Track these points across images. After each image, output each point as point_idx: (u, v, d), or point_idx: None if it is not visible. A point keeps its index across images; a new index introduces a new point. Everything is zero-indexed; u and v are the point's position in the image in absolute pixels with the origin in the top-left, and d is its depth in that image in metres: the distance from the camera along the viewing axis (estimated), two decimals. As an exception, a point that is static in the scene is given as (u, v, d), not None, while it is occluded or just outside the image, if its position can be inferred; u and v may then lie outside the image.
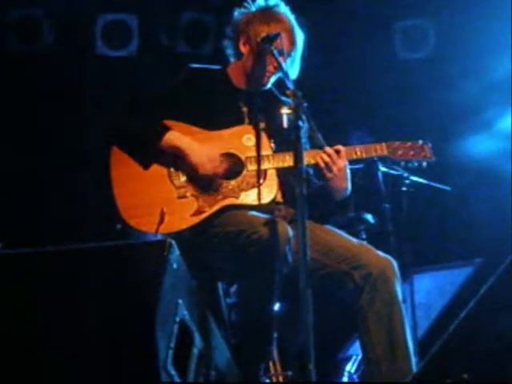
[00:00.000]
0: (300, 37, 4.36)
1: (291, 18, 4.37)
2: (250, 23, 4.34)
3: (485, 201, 6.55)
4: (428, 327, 5.87)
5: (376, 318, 4.02)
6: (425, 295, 5.91)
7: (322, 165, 4.08)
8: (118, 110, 4.24)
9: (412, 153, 4.27)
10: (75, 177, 5.13)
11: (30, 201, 6.36)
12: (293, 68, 4.21)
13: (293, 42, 4.30)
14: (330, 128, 4.19)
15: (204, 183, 4.17)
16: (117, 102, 4.28)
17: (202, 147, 4.16)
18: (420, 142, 4.30)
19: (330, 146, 4.08)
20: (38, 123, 6.48)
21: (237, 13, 4.41)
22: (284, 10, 4.38)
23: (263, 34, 4.18)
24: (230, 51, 4.47)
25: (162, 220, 3.96)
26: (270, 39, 4.12)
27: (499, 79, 6.71)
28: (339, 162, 4.06)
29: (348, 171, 4.13)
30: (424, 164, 4.29)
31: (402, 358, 3.99)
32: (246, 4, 4.39)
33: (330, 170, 4.07)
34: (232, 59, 4.47)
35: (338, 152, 4.06)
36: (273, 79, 4.36)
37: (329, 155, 4.06)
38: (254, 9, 4.38)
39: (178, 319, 2.91)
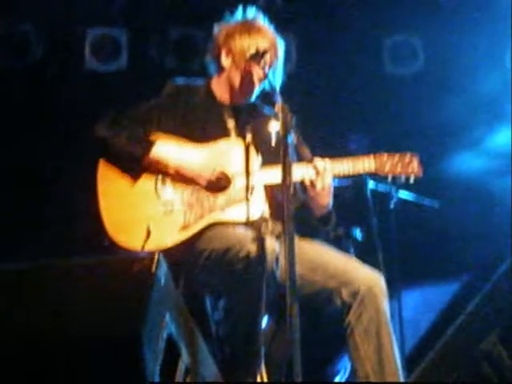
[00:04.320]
0: (281, 46, 4.38)
1: (271, 28, 4.40)
2: (231, 36, 4.36)
3: (472, 218, 6.57)
4: (416, 343, 5.88)
5: (364, 335, 4.04)
6: (413, 311, 5.92)
7: (307, 182, 4.09)
8: (105, 124, 4.23)
9: (399, 168, 4.26)
10: (63, 192, 5.12)
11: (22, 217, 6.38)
12: (276, 78, 4.21)
13: (275, 53, 4.31)
14: (319, 136, 4.19)
15: (191, 198, 4.17)
16: (105, 116, 4.26)
17: (192, 159, 4.18)
18: (408, 154, 4.29)
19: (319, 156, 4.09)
20: (28, 134, 6.48)
21: (216, 27, 4.43)
22: (263, 21, 4.41)
23: (249, 49, 4.23)
24: (212, 67, 4.47)
25: (147, 236, 3.97)
26: (260, 56, 4.16)
27: (487, 96, 6.74)
28: (325, 180, 4.07)
29: (331, 188, 4.13)
30: (412, 179, 4.29)
31: (391, 375, 4.00)
32: (225, 18, 4.42)
33: (314, 188, 4.09)
34: (215, 74, 4.47)
35: (320, 170, 4.08)
36: (257, 91, 4.37)
37: (316, 172, 4.07)
38: (233, 22, 4.41)
39: (165, 334, 2.90)
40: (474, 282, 5.88)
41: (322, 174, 4.06)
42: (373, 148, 4.32)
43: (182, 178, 4.17)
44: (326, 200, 4.15)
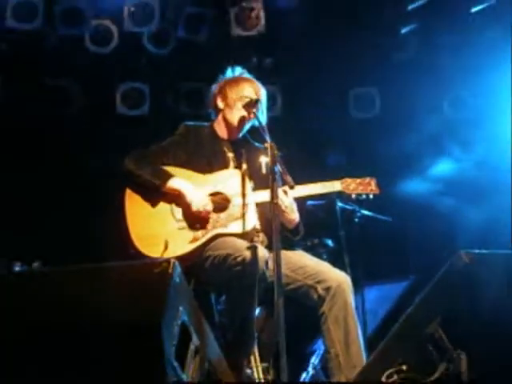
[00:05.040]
0: (264, 93, 4.42)
1: (255, 79, 4.46)
2: (223, 87, 4.45)
3: (419, 230, 6.58)
4: (375, 328, 5.87)
5: (335, 322, 4.03)
6: (372, 303, 5.90)
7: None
8: (132, 160, 4.24)
9: (361, 188, 4.30)
10: (100, 211, 5.12)
11: (63, 227, 6.38)
12: (262, 116, 4.21)
13: (259, 95, 4.34)
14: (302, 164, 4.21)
15: (198, 217, 4.18)
16: (132, 152, 4.27)
17: (194, 190, 4.17)
18: (367, 178, 4.33)
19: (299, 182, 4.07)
20: (75, 167, 6.49)
21: (213, 86, 4.51)
22: (248, 75, 4.48)
23: (243, 98, 4.29)
24: (212, 113, 4.52)
25: (166, 248, 3.97)
26: (252, 103, 4.20)
27: (429, 134, 6.77)
28: (285, 201, 4.06)
29: (294, 206, 4.15)
30: (371, 196, 4.31)
31: (356, 353, 4.00)
32: (218, 78, 4.50)
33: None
34: (215, 118, 4.50)
35: (285, 192, 4.06)
36: (247, 126, 4.40)
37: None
38: (223, 79, 4.49)
39: (179, 322, 2.90)
40: (419, 280, 5.87)
41: (285, 197, 4.07)
42: (340, 172, 4.35)
43: (188, 202, 4.16)
44: (292, 216, 4.16)
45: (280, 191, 3.90)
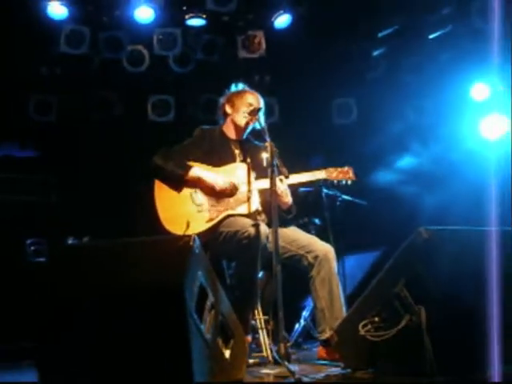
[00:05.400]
0: (262, 101, 4.41)
1: (255, 91, 4.45)
2: (230, 97, 4.44)
3: (387, 211, 6.56)
4: (353, 289, 5.86)
5: (321, 283, 4.03)
6: (350, 269, 5.89)
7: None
8: (160, 156, 4.24)
9: (341, 175, 4.30)
10: (135, 197, 5.12)
11: (108, 211, 6.40)
12: (261, 119, 4.18)
13: (259, 104, 4.35)
14: (294, 159, 4.20)
15: (213, 201, 4.17)
16: (159, 151, 4.27)
17: (214, 174, 4.18)
18: (346, 167, 4.34)
19: (292, 172, 4.07)
20: (115, 162, 6.50)
21: (220, 97, 4.51)
22: (249, 88, 4.47)
23: (247, 105, 4.30)
24: (220, 119, 4.52)
25: (187, 226, 3.96)
26: (256, 111, 4.19)
27: (395, 136, 6.74)
28: (281, 187, 4.07)
29: (288, 191, 4.15)
30: (349, 182, 4.32)
31: (338, 308, 4.01)
32: (225, 91, 4.50)
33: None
34: (223, 122, 4.49)
35: (281, 180, 4.05)
36: (250, 128, 4.39)
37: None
38: (229, 92, 4.48)
39: (198, 283, 2.90)
40: (388, 251, 5.85)
41: (280, 183, 4.06)
42: (325, 165, 4.34)
43: (207, 188, 4.16)
44: (286, 199, 4.16)
45: (277, 180, 3.89)
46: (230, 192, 4.16)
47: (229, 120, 4.44)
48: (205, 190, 4.18)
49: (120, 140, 6.63)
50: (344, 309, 4.03)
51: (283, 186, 4.10)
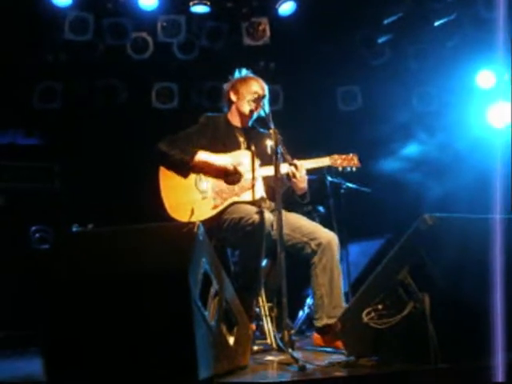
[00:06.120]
0: (266, 87, 4.39)
1: (259, 78, 4.43)
2: (235, 84, 4.42)
3: (392, 199, 6.56)
4: (357, 276, 5.88)
5: (322, 270, 4.03)
6: (354, 257, 5.91)
7: (290, 174, 4.10)
8: (165, 143, 4.24)
9: (346, 162, 4.30)
10: (140, 185, 5.14)
11: (113, 197, 6.41)
12: (265, 107, 4.20)
13: (264, 93, 4.33)
14: (299, 146, 4.21)
15: (218, 188, 4.17)
16: (164, 137, 4.27)
17: (220, 157, 4.18)
18: (350, 154, 4.34)
19: (297, 159, 4.10)
20: (121, 150, 6.49)
21: (224, 84, 4.49)
22: (253, 74, 4.45)
23: (252, 92, 4.28)
24: (225, 106, 4.51)
25: (192, 213, 3.97)
26: (260, 98, 4.19)
27: (400, 123, 6.74)
28: (301, 172, 4.07)
29: (306, 177, 4.14)
30: (354, 169, 4.32)
31: (337, 295, 4.02)
32: (229, 78, 4.48)
33: (295, 177, 4.09)
34: (228, 110, 4.49)
35: (299, 166, 4.07)
36: (255, 116, 4.38)
37: (295, 167, 4.07)
38: (234, 78, 4.46)
39: (202, 270, 2.90)
40: (393, 238, 5.87)
41: (300, 169, 4.07)
42: (330, 152, 4.35)
43: (213, 171, 4.15)
44: (303, 184, 4.15)
45: (297, 164, 3.98)
46: (239, 175, 4.16)
47: (233, 108, 4.43)
48: (212, 174, 4.18)
49: (124, 127, 6.62)
50: (343, 298, 4.04)
51: (301, 172, 4.10)
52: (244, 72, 4.46)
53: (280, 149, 3.71)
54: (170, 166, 4.21)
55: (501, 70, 6.43)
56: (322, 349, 4.00)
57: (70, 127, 6.65)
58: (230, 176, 4.17)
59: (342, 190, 5.54)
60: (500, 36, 4.93)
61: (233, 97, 4.41)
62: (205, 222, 3.43)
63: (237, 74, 4.46)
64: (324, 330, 3.99)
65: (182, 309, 2.74)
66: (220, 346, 3.00)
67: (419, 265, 3.04)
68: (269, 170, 4.03)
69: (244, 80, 4.40)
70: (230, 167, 4.16)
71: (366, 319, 3.16)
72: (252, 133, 4.42)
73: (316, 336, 4.08)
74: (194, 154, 4.17)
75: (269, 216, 3.87)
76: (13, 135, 6.52)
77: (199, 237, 2.91)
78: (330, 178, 5.34)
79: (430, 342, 2.89)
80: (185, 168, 4.18)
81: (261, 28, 6.50)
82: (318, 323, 4.02)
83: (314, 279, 4.06)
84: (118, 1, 6.25)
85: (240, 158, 4.23)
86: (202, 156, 4.17)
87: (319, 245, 4.05)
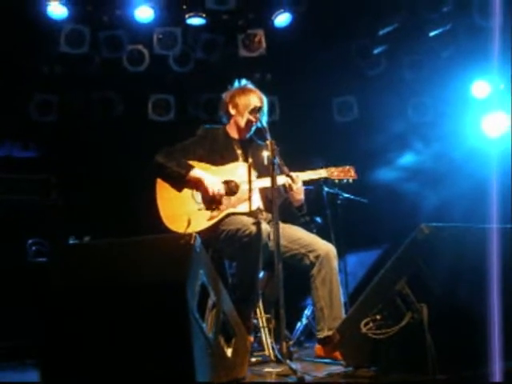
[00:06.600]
0: (264, 99, 4.40)
1: (257, 89, 4.43)
2: (233, 96, 4.41)
3: (388, 209, 6.56)
4: (355, 286, 5.87)
5: (322, 282, 4.03)
6: (352, 267, 5.90)
7: (287, 185, 4.10)
8: (162, 155, 4.24)
9: (343, 174, 4.31)
10: (136, 197, 5.12)
11: (109, 210, 6.41)
12: (264, 119, 4.22)
13: (262, 105, 4.34)
14: (295, 157, 4.22)
15: (213, 199, 4.18)
16: (161, 149, 4.28)
17: (211, 178, 4.17)
18: (347, 166, 4.35)
19: (294, 171, 4.10)
20: (118, 162, 6.50)
21: (223, 94, 4.48)
22: (251, 85, 4.45)
23: (250, 106, 4.26)
24: (224, 118, 4.50)
25: (188, 224, 3.96)
26: (257, 110, 4.20)
27: (396, 134, 6.75)
28: (296, 184, 4.07)
29: (302, 189, 4.14)
30: (350, 181, 4.33)
31: (337, 307, 4.01)
32: (228, 87, 4.46)
33: (292, 189, 4.09)
34: (227, 121, 4.49)
35: (295, 178, 4.07)
36: (253, 129, 4.39)
37: (292, 179, 4.08)
38: (233, 89, 4.45)
39: (199, 282, 2.90)
40: (390, 248, 5.87)
41: (296, 181, 4.08)
42: (326, 164, 4.35)
43: (204, 190, 4.16)
44: (300, 196, 4.15)
45: (294, 176, 3.98)
46: (218, 198, 4.15)
47: (232, 121, 4.44)
48: (204, 190, 4.18)
49: (120, 139, 6.63)
50: (343, 309, 4.03)
51: (298, 183, 4.10)
52: (243, 82, 4.47)
53: (277, 160, 3.71)
54: (167, 177, 4.21)
55: (496, 79, 6.46)
56: (320, 360, 3.99)
57: (67, 140, 6.66)
58: (215, 197, 4.16)
59: (339, 201, 5.55)
60: (495, 46, 4.97)
61: (231, 110, 4.42)
62: (201, 233, 3.42)
63: (236, 84, 4.47)
64: (326, 341, 3.98)
65: (180, 321, 2.73)
66: (218, 357, 2.99)
67: (417, 275, 3.04)
68: (266, 182, 4.05)
69: (243, 92, 4.41)
70: (214, 192, 4.13)
71: (364, 330, 3.16)
72: (250, 145, 4.43)
73: (318, 347, 4.08)
74: (190, 169, 4.18)
75: (266, 227, 3.87)
76: (9, 148, 6.52)
77: (196, 249, 2.91)
78: (326, 189, 5.35)
79: (428, 353, 2.88)
80: (180, 181, 4.18)
81: (256, 39, 6.53)
82: (320, 335, 4.02)
83: (313, 292, 4.06)
84: (114, 13, 6.27)
85: (237, 170, 4.23)
86: (197, 173, 4.18)
87: (317, 257, 4.05)
